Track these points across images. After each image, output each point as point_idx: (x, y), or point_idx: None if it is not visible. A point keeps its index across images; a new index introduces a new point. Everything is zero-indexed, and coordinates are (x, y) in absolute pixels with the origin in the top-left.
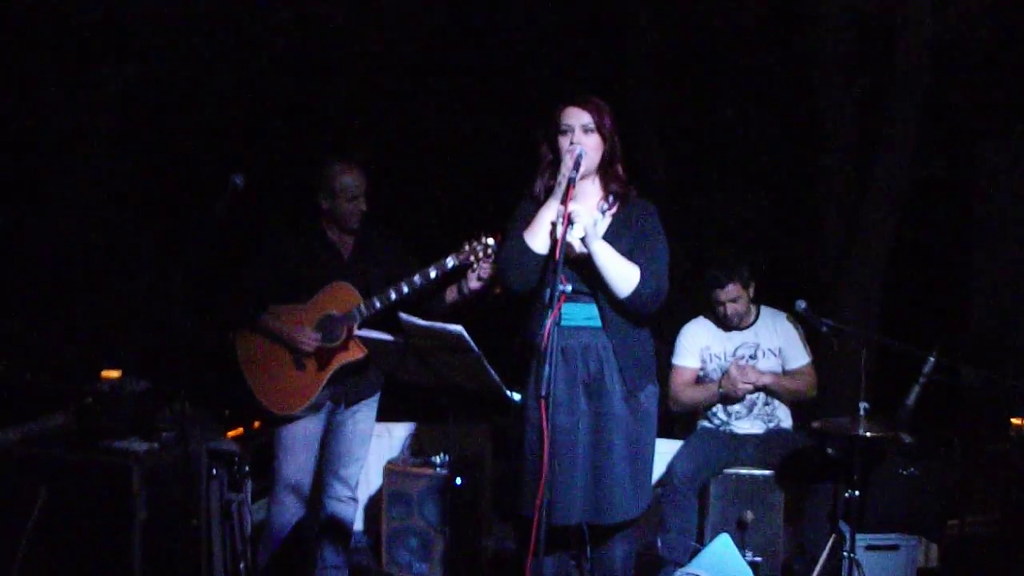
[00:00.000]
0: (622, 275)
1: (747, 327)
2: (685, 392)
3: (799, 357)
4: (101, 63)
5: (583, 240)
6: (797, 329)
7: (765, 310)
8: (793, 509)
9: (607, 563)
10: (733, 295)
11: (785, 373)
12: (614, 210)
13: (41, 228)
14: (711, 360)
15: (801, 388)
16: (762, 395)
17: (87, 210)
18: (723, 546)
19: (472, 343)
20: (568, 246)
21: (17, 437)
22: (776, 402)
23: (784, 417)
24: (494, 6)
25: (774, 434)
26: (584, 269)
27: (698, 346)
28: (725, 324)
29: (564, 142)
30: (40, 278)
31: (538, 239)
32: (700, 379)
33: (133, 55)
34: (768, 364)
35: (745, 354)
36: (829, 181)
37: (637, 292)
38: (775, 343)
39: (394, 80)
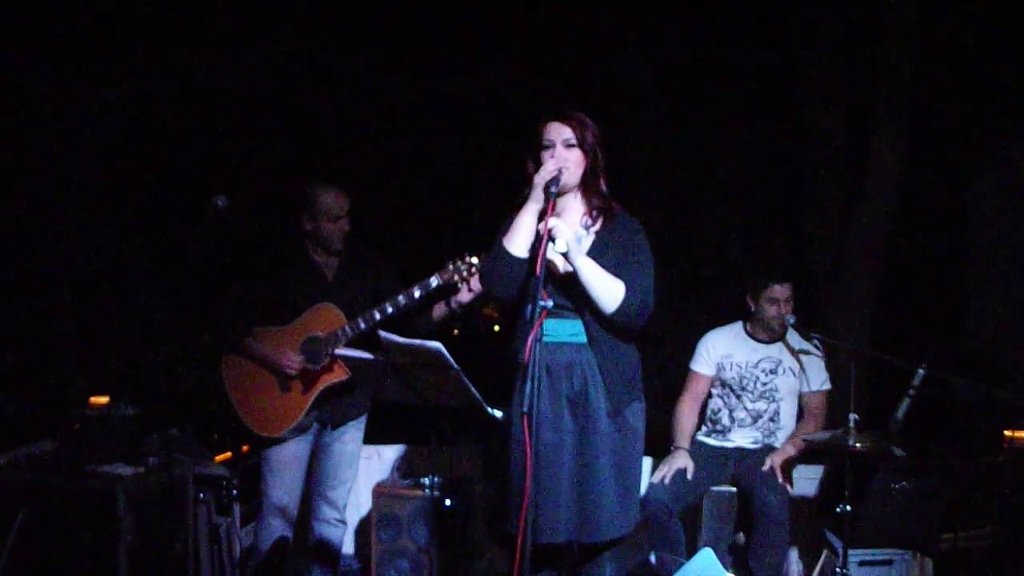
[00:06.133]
0: (607, 290)
1: (773, 341)
2: (686, 407)
3: (815, 383)
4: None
5: (566, 255)
6: (820, 355)
7: (793, 331)
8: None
9: None
10: (788, 294)
11: (802, 395)
12: (597, 226)
13: (28, 254)
14: (731, 368)
15: (816, 430)
16: (769, 411)
17: (74, 236)
18: (705, 561)
19: (451, 359)
20: (551, 262)
21: (3, 462)
22: (781, 421)
23: (781, 439)
24: (483, 28)
25: (764, 451)
26: (568, 285)
27: (718, 353)
28: (768, 328)
29: (546, 157)
30: (28, 304)
31: (515, 243)
32: (720, 382)
33: (123, 73)
34: (787, 383)
35: (767, 368)
36: (817, 194)
37: (623, 308)
38: (798, 364)
39: (378, 100)
